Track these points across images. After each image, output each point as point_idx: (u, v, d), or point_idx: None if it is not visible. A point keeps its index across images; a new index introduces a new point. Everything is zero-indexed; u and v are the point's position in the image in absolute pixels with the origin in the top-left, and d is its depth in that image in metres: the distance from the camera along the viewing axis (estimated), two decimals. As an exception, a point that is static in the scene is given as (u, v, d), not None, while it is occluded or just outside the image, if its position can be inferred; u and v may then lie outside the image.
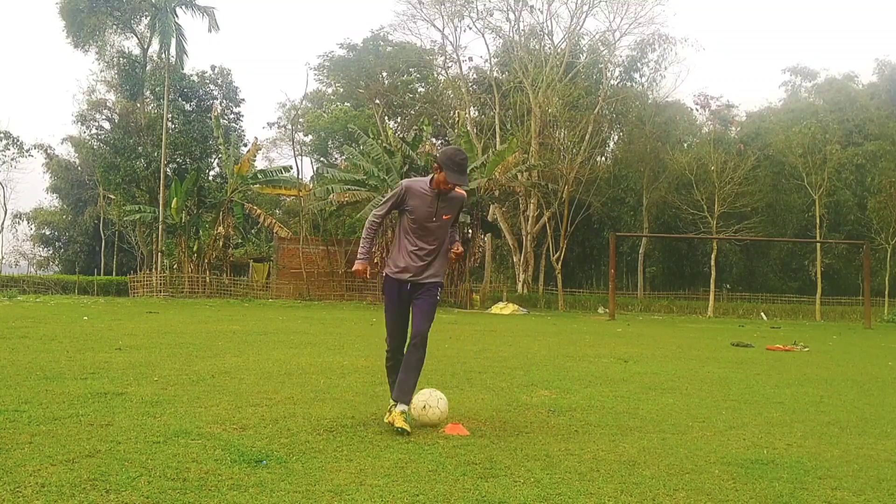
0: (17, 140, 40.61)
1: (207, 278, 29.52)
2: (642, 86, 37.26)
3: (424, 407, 4.49)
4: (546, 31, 35.64)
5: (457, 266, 28.82)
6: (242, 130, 40.67)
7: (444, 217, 4.57)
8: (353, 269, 4.64)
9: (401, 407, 4.41)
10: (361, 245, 4.71)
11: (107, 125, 39.67)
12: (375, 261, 29.40)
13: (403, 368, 4.53)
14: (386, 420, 4.47)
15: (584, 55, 36.10)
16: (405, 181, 4.67)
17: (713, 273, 31.36)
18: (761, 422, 5.22)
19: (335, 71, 41.57)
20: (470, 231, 29.62)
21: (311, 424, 4.45)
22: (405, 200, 4.56)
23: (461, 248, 4.75)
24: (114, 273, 41.31)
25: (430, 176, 4.59)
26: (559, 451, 4.03)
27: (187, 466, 3.39)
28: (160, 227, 31.26)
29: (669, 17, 69.90)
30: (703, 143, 34.52)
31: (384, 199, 4.72)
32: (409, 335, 4.62)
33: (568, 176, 31.42)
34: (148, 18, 35.84)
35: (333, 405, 5.16)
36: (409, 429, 4.27)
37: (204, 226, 31.67)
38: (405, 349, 4.60)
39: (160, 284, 29.20)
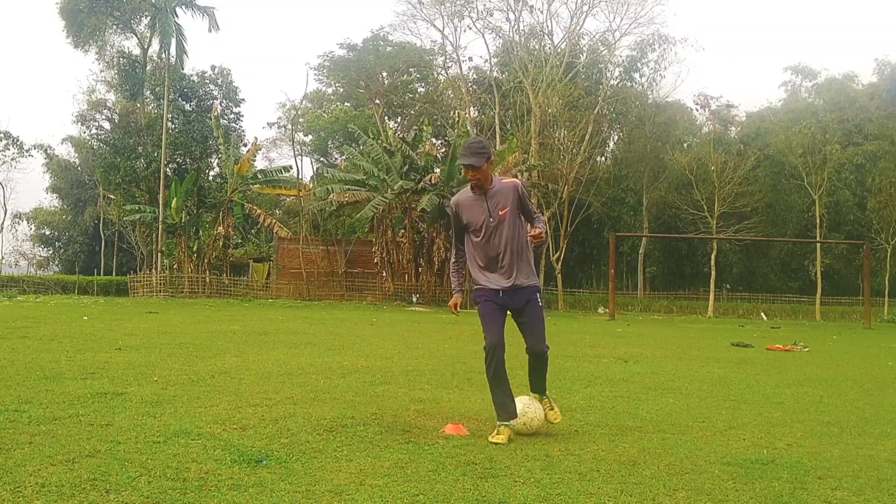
0: (17, 140, 40.59)
1: (207, 278, 29.50)
2: (642, 86, 37.26)
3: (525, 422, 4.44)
4: (546, 31, 35.64)
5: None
6: (242, 130, 40.72)
7: (500, 213, 4.38)
8: (449, 304, 4.73)
9: (545, 398, 4.62)
10: (452, 282, 4.79)
11: (107, 125, 39.69)
12: (379, 272, 29.39)
13: (534, 376, 4.64)
14: (491, 439, 4.20)
15: (584, 55, 36.08)
16: (452, 199, 4.60)
17: (713, 273, 31.36)
18: (761, 422, 5.22)
19: (335, 71, 41.54)
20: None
21: (311, 424, 4.45)
22: (460, 215, 4.47)
23: (538, 230, 4.32)
24: (114, 273, 41.28)
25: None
26: (559, 451, 4.03)
27: (187, 466, 3.39)
28: (160, 227, 31.25)
29: (669, 18, 70.08)
30: (703, 143, 34.54)
31: (449, 237, 4.70)
32: (502, 341, 4.52)
33: (568, 176, 31.40)
34: (148, 18, 35.84)
35: (333, 405, 5.15)
36: (559, 418, 4.57)
37: (204, 226, 31.65)
38: (528, 363, 4.61)
39: (160, 284, 29.19)
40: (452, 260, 4.68)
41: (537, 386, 4.67)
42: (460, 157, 4.49)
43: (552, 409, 4.58)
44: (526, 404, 4.49)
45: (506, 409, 4.33)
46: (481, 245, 4.44)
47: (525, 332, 4.49)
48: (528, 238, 4.44)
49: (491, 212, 4.38)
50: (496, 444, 4.14)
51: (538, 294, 4.52)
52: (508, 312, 4.52)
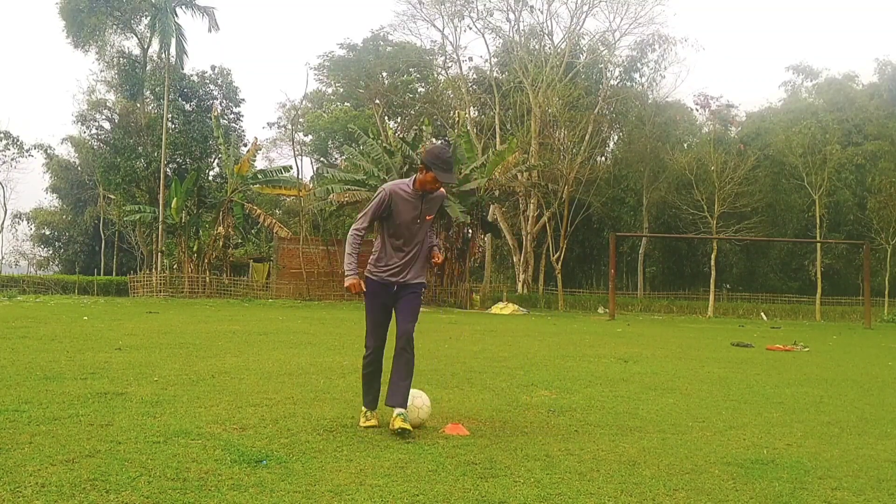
0: (17, 140, 40.63)
1: (207, 278, 29.51)
2: (642, 86, 37.29)
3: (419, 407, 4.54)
4: (546, 31, 35.69)
5: (457, 266, 28.80)
6: (242, 130, 40.71)
7: (427, 218, 4.54)
8: (346, 285, 4.50)
9: (398, 411, 4.32)
10: (347, 261, 4.52)
11: (107, 125, 39.66)
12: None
13: (395, 372, 4.44)
14: (362, 424, 4.45)
15: (584, 55, 36.09)
16: (387, 185, 4.55)
17: (713, 273, 31.35)
18: (761, 422, 5.22)
19: (335, 71, 41.58)
20: (470, 231, 29.60)
21: (311, 424, 4.45)
22: (389, 206, 4.46)
23: (441, 257, 4.68)
24: (114, 273, 41.30)
25: (411, 177, 4.52)
26: (559, 451, 4.03)
27: (187, 466, 3.39)
28: (160, 227, 31.26)
29: (669, 17, 70.08)
30: (703, 143, 34.53)
31: (364, 211, 4.59)
32: (391, 337, 4.58)
33: (568, 176, 31.41)
34: (148, 18, 35.86)
35: (333, 405, 5.16)
36: (410, 427, 4.24)
37: (204, 226, 31.65)
38: (394, 352, 4.48)
39: (160, 284, 29.20)
40: (354, 241, 4.53)
41: (395, 396, 4.37)
42: (439, 171, 4.34)
43: (403, 421, 4.26)
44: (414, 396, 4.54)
45: (373, 400, 4.60)
46: (396, 239, 4.52)
47: (399, 314, 4.54)
48: (433, 261, 4.63)
49: (421, 213, 4.50)
50: (392, 427, 4.24)
51: (421, 289, 4.66)
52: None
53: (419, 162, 4.57)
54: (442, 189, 4.60)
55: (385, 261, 4.54)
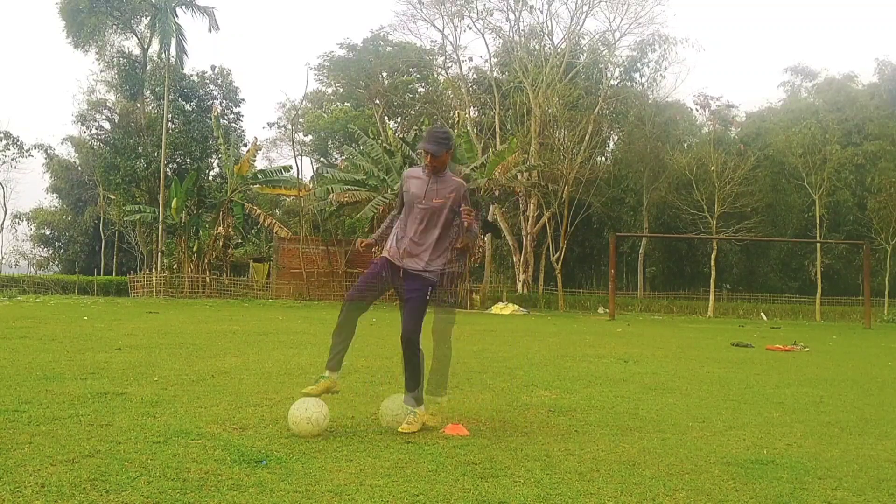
0: (17, 140, 40.64)
1: (207, 278, 29.48)
2: (642, 86, 37.29)
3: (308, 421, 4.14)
4: (546, 31, 35.68)
5: (457, 266, 28.78)
6: (242, 130, 40.76)
7: (434, 200, 4.47)
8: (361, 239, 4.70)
9: (406, 409, 4.44)
10: (377, 231, 4.89)
11: (107, 125, 39.70)
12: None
13: (405, 369, 4.59)
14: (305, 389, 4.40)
15: (584, 55, 36.10)
16: (406, 171, 4.77)
17: (713, 273, 31.35)
18: (761, 422, 5.22)
19: (335, 71, 41.59)
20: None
21: (311, 424, 4.44)
22: (406, 185, 4.60)
23: (463, 243, 4.51)
24: (114, 273, 41.29)
25: None
26: (559, 451, 4.03)
27: (187, 466, 3.38)
28: (160, 227, 31.25)
29: (669, 18, 70.12)
30: (703, 143, 34.54)
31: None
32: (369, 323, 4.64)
33: (568, 176, 31.40)
34: (148, 18, 35.88)
35: (333, 405, 5.14)
36: (408, 431, 4.29)
37: (204, 226, 31.65)
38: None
39: (160, 284, 29.18)
40: (386, 222, 4.85)
41: (408, 384, 4.53)
42: (423, 141, 4.52)
43: (409, 423, 4.33)
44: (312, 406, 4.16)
45: (334, 361, 4.49)
46: (404, 217, 4.62)
47: (404, 311, 4.56)
48: (457, 245, 4.57)
49: (426, 194, 4.50)
50: (307, 393, 4.29)
51: (430, 289, 4.53)
52: (398, 295, 4.68)
53: None
54: (459, 179, 4.62)
55: (395, 240, 4.62)
